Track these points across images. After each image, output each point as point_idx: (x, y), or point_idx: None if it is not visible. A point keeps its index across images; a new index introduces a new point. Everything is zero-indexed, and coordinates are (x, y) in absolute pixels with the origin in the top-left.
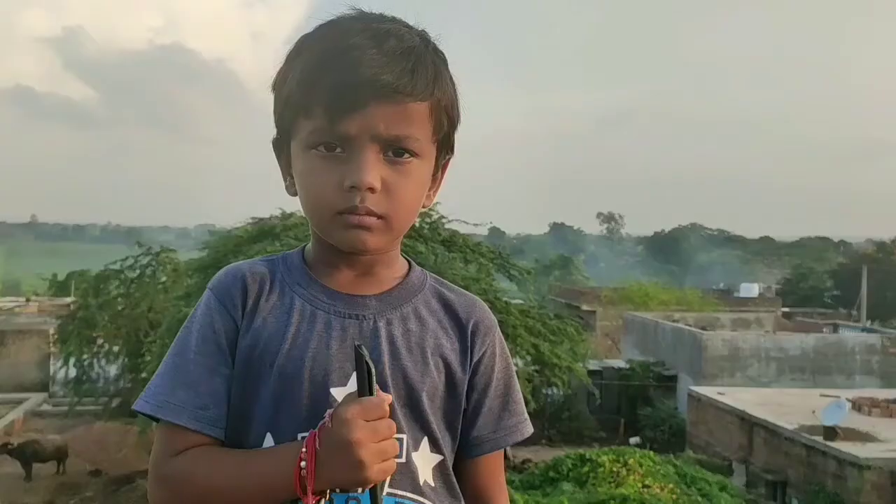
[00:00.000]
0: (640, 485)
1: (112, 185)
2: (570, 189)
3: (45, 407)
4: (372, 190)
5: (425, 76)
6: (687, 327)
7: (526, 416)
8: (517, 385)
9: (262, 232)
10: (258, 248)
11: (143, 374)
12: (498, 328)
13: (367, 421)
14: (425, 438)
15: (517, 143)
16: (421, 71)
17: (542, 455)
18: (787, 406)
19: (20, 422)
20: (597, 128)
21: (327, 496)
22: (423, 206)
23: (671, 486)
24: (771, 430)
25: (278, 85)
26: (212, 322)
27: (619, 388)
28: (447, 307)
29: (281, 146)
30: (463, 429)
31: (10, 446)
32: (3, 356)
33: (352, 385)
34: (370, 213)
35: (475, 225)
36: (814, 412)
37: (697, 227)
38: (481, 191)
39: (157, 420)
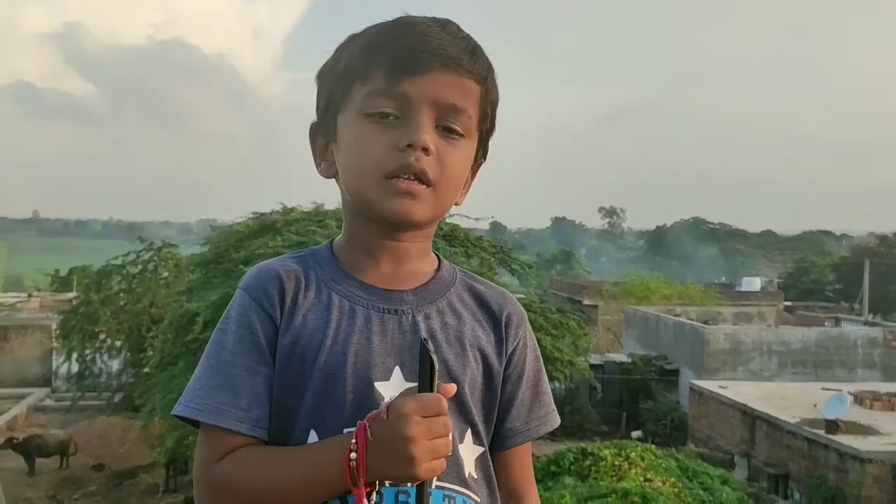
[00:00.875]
0: (641, 478)
1: (113, 181)
2: (571, 183)
3: (48, 402)
4: (427, 151)
5: (483, 62)
6: (689, 321)
7: (554, 406)
8: (545, 376)
9: (264, 227)
10: (259, 244)
11: (146, 369)
12: (527, 320)
13: (424, 417)
14: (469, 430)
15: (519, 137)
16: (479, 55)
17: (544, 449)
18: (788, 400)
19: (23, 417)
20: (598, 122)
21: (377, 488)
22: (455, 203)
23: (673, 479)
24: (773, 424)
25: (328, 69)
26: (249, 322)
27: (621, 382)
28: (479, 300)
29: (319, 130)
30: (496, 421)
31: (15, 441)
32: (5, 351)
33: (395, 379)
34: (422, 175)
35: (476, 219)
36: (815, 406)
37: (699, 221)
38: (482, 185)
39: (197, 424)
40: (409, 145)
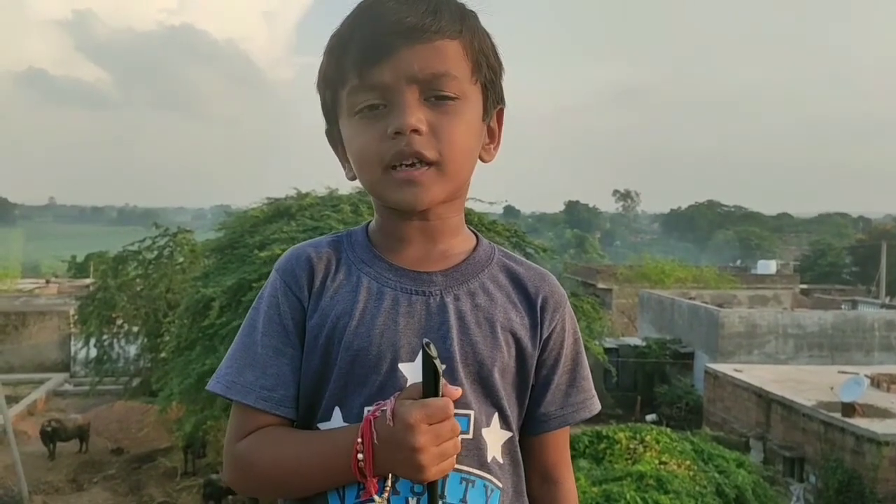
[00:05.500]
0: (656, 461)
1: (128, 167)
2: (585, 167)
3: (67, 387)
4: (417, 132)
5: (450, 15)
6: (703, 304)
7: (594, 392)
8: (585, 361)
9: (278, 212)
10: (274, 228)
11: (163, 354)
12: (568, 303)
13: (431, 425)
14: (496, 414)
15: (532, 120)
16: (444, 10)
17: None
18: (804, 383)
19: (42, 401)
20: (612, 104)
21: (389, 480)
22: (484, 160)
23: (688, 462)
24: (788, 407)
25: (318, 77)
26: (277, 304)
27: (636, 365)
28: (516, 281)
29: (333, 134)
30: (529, 405)
31: (44, 429)
32: (24, 337)
33: (420, 361)
34: (419, 157)
35: (490, 203)
36: (832, 389)
37: (714, 204)
38: (496, 169)
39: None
40: (397, 132)
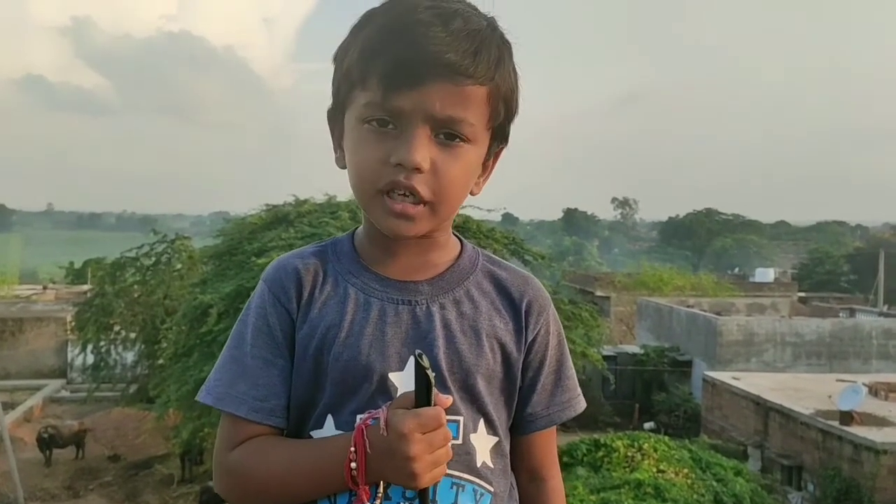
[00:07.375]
0: (654, 469)
1: (126, 173)
2: (583, 174)
3: (64, 393)
4: (419, 170)
5: (488, 60)
6: (701, 312)
7: (579, 391)
8: (570, 361)
9: (276, 218)
10: (272, 235)
11: (160, 361)
12: (552, 305)
13: (424, 433)
14: (482, 420)
15: (530, 127)
16: (484, 54)
17: (557, 440)
18: (802, 391)
19: (39, 408)
20: (610, 112)
21: (381, 487)
22: (472, 194)
23: (686, 470)
24: (786, 415)
25: (339, 56)
26: (266, 315)
27: (634, 373)
28: (500, 287)
29: (335, 117)
30: (516, 406)
31: (41, 434)
32: (21, 343)
33: (409, 370)
34: (413, 193)
35: (488, 211)
36: (830, 397)
37: (712, 212)
38: (494, 176)
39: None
40: (399, 164)
